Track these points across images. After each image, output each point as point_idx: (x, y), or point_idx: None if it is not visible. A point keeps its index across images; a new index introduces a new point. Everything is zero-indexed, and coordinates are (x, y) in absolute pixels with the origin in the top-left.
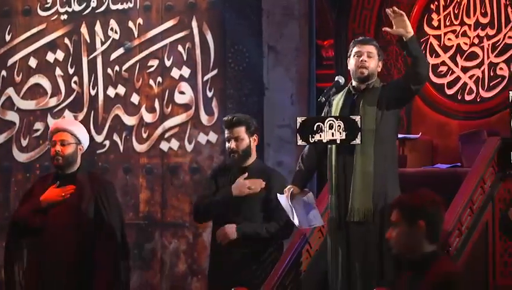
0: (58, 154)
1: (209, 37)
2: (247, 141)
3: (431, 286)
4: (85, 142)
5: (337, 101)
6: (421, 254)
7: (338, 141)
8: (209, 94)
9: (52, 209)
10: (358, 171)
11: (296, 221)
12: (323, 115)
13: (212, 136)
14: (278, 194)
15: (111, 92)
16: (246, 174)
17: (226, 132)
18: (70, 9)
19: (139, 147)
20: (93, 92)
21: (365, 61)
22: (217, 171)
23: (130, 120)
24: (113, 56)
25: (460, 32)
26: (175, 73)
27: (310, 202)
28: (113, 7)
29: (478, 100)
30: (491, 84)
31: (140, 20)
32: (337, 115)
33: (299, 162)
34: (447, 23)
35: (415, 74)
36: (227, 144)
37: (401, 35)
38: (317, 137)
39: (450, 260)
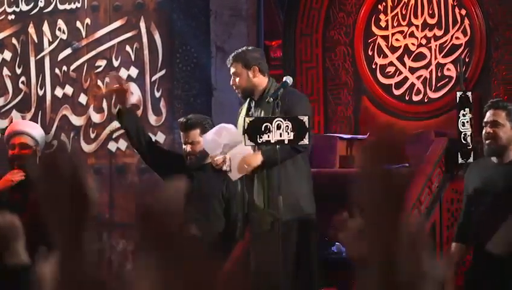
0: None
1: (157, 38)
2: (202, 143)
3: None
4: (42, 143)
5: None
6: None
7: (286, 142)
8: (157, 94)
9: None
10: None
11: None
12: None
13: (160, 137)
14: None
15: (59, 92)
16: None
17: (182, 134)
18: (17, 9)
19: (87, 147)
20: (40, 92)
21: (234, 81)
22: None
23: (77, 120)
24: (61, 56)
25: (408, 33)
26: (123, 73)
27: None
28: (60, 7)
29: (426, 101)
30: (438, 85)
31: (88, 20)
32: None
33: None
34: (395, 24)
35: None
36: (183, 147)
37: None
38: (265, 137)
39: None
